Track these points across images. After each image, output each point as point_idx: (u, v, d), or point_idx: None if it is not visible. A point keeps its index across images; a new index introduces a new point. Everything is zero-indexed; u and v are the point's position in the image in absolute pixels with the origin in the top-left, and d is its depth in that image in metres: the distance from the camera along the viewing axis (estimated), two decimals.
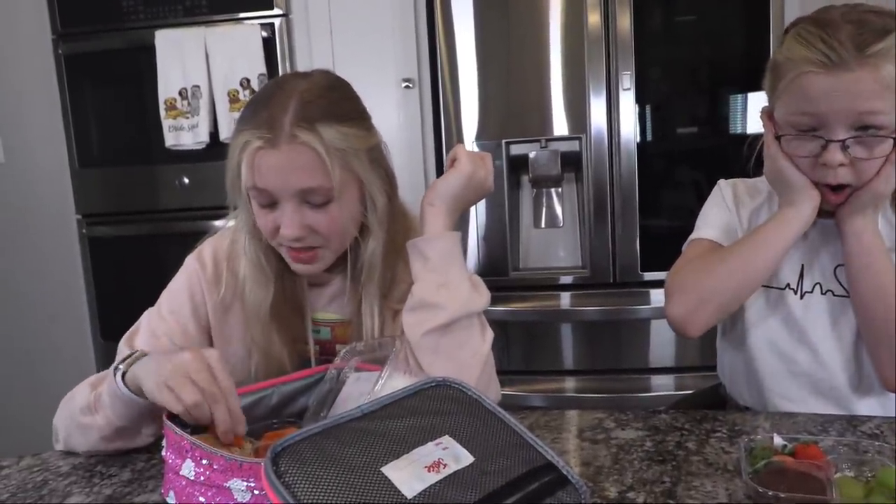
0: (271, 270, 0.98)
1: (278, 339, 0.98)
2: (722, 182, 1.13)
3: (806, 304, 1.02)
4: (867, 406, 1.01)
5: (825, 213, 1.01)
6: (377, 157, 0.96)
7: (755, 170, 1.05)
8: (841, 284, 1.01)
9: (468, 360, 0.91)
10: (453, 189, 0.96)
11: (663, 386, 2.06)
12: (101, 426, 0.88)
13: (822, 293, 1.02)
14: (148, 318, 1.03)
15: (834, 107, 0.89)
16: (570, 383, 2.11)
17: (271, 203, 0.91)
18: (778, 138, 0.96)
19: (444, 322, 0.90)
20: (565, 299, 2.06)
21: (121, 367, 0.84)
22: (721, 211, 1.09)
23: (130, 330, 1.03)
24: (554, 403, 2.07)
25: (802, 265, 1.03)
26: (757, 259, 0.98)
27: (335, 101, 0.92)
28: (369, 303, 0.97)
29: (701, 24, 1.99)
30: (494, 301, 2.00)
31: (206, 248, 1.05)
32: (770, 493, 0.67)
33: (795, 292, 1.03)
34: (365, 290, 0.98)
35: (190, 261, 1.04)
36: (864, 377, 1.00)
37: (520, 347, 2.13)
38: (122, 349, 1.00)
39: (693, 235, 1.09)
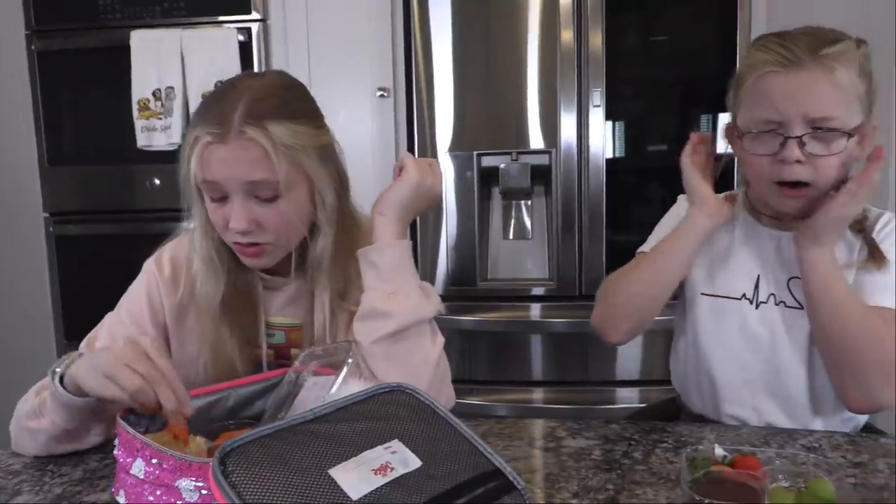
0: (223, 266, 0.99)
1: (229, 336, 0.99)
2: (682, 196, 1.17)
3: (761, 314, 1.05)
4: (819, 414, 1.04)
5: (780, 224, 1.05)
6: (328, 155, 0.97)
7: (719, 187, 1.11)
8: (794, 297, 1.04)
9: (419, 367, 0.93)
10: (402, 198, 0.97)
11: (629, 398, 2.09)
12: (47, 429, 0.89)
13: (775, 304, 1.05)
14: (108, 322, 1.04)
15: (791, 104, 0.94)
16: (537, 394, 2.13)
17: (222, 197, 0.93)
18: (741, 138, 1.01)
19: (395, 329, 0.92)
20: (532, 311, 2.09)
21: (58, 369, 0.85)
22: (668, 225, 1.13)
23: (91, 333, 1.04)
24: (520, 414, 2.09)
25: (758, 276, 1.07)
26: (661, 267, 1.05)
27: (286, 100, 0.94)
28: (321, 300, 0.99)
29: (672, 44, 2.04)
30: (462, 311, 2.06)
31: (165, 251, 1.06)
32: (706, 502, 0.69)
33: (751, 302, 1.06)
34: (316, 287, 0.99)
35: (149, 264, 1.06)
36: (817, 386, 1.03)
37: (487, 357, 2.14)
38: (84, 351, 1.01)
39: (639, 248, 1.14)
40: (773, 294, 1.06)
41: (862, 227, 1.03)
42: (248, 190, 0.92)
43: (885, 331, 0.94)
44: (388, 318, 0.93)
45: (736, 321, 1.07)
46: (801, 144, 0.94)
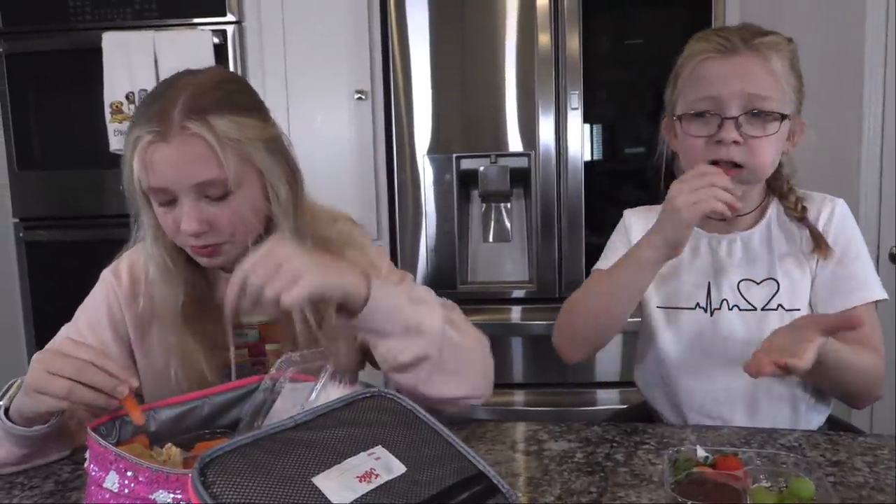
0: (178, 272, 0.96)
1: (193, 342, 0.96)
2: (626, 213, 1.17)
3: (715, 321, 1.06)
4: (779, 415, 1.05)
5: (723, 227, 1.06)
6: (278, 148, 0.94)
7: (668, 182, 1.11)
8: (746, 299, 1.05)
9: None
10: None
11: (609, 400, 2.09)
12: (4, 458, 0.87)
13: (728, 309, 1.05)
14: (65, 334, 1.01)
15: (728, 87, 0.97)
16: (518, 397, 2.13)
17: (170, 200, 0.90)
18: (679, 119, 1.02)
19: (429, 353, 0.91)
20: (512, 313, 2.09)
21: (2, 402, 0.84)
22: (619, 243, 1.12)
23: (46, 347, 1.00)
24: (501, 416, 2.08)
25: (709, 283, 1.07)
26: (612, 299, 1.02)
27: (228, 93, 0.91)
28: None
29: (648, 47, 2.05)
30: None
31: (123, 260, 1.03)
32: (689, 503, 0.69)
33: (705, 310, 1.06)
34: None
35: (106, 274, 1.03)
36: (775, 388, 1.04)
37: None
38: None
39: (595, 265, 1.14)
40: (725, 300, 1.06)
41: (802, 215, 1.05)
42: (197, 190, 0.88)
43: (877, 359, 0.97)
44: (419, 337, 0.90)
45: (692, 331, 1.07)
46: (738, 126, 0.97)
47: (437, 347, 0.90)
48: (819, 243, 1.02)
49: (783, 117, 0.97)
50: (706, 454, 0.78)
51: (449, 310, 0.99)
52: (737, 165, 0.98)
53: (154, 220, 0.94)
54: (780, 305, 1.04)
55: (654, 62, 2.05)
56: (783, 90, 0.98)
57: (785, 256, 1.05)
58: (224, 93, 0.91)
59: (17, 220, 2.27)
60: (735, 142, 0.96)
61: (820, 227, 1.04)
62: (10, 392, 0.84)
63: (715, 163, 0.98)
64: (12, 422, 0.83)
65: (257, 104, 0.95)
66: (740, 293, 1.05)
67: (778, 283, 1.04)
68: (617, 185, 2.09)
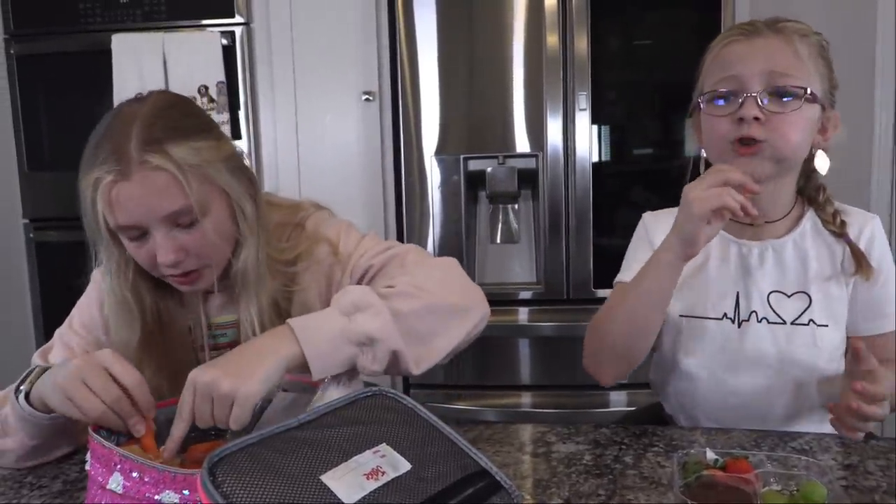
0: (138, 309, 0.95)
1: (157, 376, 0.94)
2: (646, 215, 1.14)
3: (743, 332, 1.03)
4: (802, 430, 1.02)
5: (753, 233, 1.03)
6: (237, 165, 0.93)
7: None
8: (775, 312, 1.02)
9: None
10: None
11: (618, 402, 2.08)
12: (13, 448, 0.87)
13: (757, 321, 1.02)
14: (60, 334, 1.02)
15: (749, 67, 0.96)
16: (525, 398, 2.12)
17: (141, 235, 0.89)
18: (703, 103, 1.01)
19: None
20: (519, 314, 2.08)
21: (22, 387, 0.83)
22: (641, 250, 1.08)
23: (43, 347, 1.02)
24: (508, 418, 2.08)
25: (738, 293, 1.04)
26: (638, 307, 0.98)
27: (177, 118, 0.89)
28: (248, 312, 0.94)
29: (656, 48, 2.05)
30: None
31: None
32: None
33: (733, 321, 1.03)
34: (242, 298, 0.95)
35: (96, 274, 1.03)
36: (800, 404, 1.02)
37: (474, 362, 2.13)
38: (36, 363, 0.99)
39: (616, 277, 1.10)
40: (754, 311, 1.03)
41: (841, 231, 1.02)
42: (167, 221, 0.87)
43: None
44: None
45: (718, 342, 1.03)
46: (760, 103, 0.95)
47: (400, 336, 0.85)
48: (861, 263, 1.00)
49: (805, 93, 0.95)
50: (716, 457, 0.77)
51: (395, 269, 0.96)
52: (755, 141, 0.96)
53: (116, 256, 0.93)
54: (811, 321, 1.01)
55: (663, 63, 2.06)
56: (808, 72, 0.96)
57: (820, 270, 1.02)
58: (174, 119, 0.89)
59: (27, 221, 2.29)
60: (756, 118, 0.94)
61: (862, 246, 1.01)
62: (31, 377, 0.84)
63: (737, 142, 0.96)
64: (33, 406, 0.83)
65: (207, 124, 0.94)
66: (770, 305, 1.02)
67: (810, 296, 1.02)
68: (625, 187, 2.08)
